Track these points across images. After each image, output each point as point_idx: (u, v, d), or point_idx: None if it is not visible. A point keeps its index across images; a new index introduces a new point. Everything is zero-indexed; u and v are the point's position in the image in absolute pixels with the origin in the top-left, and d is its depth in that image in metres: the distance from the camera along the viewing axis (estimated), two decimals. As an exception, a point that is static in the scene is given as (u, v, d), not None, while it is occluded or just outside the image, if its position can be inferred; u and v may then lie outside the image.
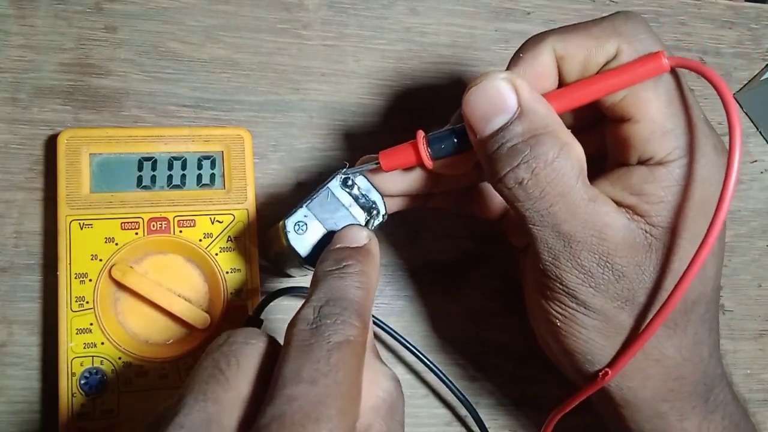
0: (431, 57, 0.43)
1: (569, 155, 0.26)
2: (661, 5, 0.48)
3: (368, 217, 0.31)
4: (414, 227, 0.41)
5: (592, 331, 0.29)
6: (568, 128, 0.28)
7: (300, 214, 0.30)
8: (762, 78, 0.46)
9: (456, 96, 0.43)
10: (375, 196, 0.31)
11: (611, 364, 0.29)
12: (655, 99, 0.27)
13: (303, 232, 0.30)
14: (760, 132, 0.47)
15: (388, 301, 0.40)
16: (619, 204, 0.28)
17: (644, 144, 0.28)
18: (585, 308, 0.29)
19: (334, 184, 0.31)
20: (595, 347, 0.29)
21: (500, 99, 0.27)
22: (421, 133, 0.30)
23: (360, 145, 0.41)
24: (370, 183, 0.31)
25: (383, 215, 0.31)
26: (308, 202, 0.30)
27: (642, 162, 0.28)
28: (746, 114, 0.47)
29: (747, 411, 0.33)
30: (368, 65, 0.42)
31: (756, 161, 0.47)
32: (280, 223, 0.30)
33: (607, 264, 0.27)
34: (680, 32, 0.48)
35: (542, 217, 0.27)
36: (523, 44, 0.29)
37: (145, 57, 0.39)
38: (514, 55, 0.29)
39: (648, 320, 0.28)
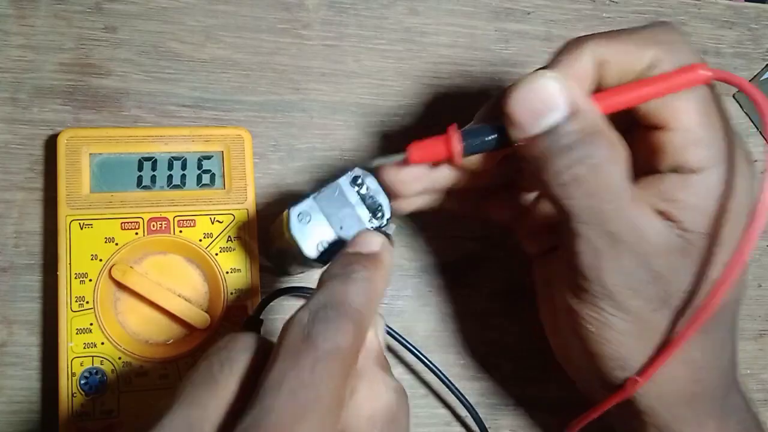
0: (431, 57, 0.43)
1: (620, 155, 0.27)
2: (661, 5, 0.48)
3: (372, 218, 0.31)
4: (415, 228, 0.41)
5: (626, 335, 0.29)
6: None
7: (305, 204, 0.30)
8: (762, 78, 0.46)
9: (456, 96, 0.43)
10: (382, 199, 0.31)
11: (641, 372, 0.29)
12: (690, 108, 0.27)
13: (306, 223, 0.30)
14: (760, 132, 0.47)
15: (388, 301, 0.40)
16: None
17: (678, 152, 0.28)
18: (621, 311, 0.29)
19: (344, 181, 0.31)
20: (628, 352, 0.29)
21: (551, 97, 0.27)
22: (454, 127, 0.29)
23: (360, 145, 0.41)
24: (380, 185, 0.31)
25: (387, 219, 0.31)
26: (316, 194, 0.30)
27: (674, 170, 0.28)
28: (746, 114, 0.47)
29: (759, 419, 0.33)
30: (368, 65, 0.42)
31: (756, 161, 0.47)
32: (285, 211, 0.30)
33: (647, 265, 0.28)
34: (680, 32, 0.48)
35: (592, 215, 0.27)
36: (564, 46, 0.29)
37: (145, 57, 0.39)
38: (554, 57, 0.29)
39: (682, 324, 0.28)
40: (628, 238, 0.27)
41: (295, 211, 0.30)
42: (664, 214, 0.28)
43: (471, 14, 0.44)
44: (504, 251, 0.42)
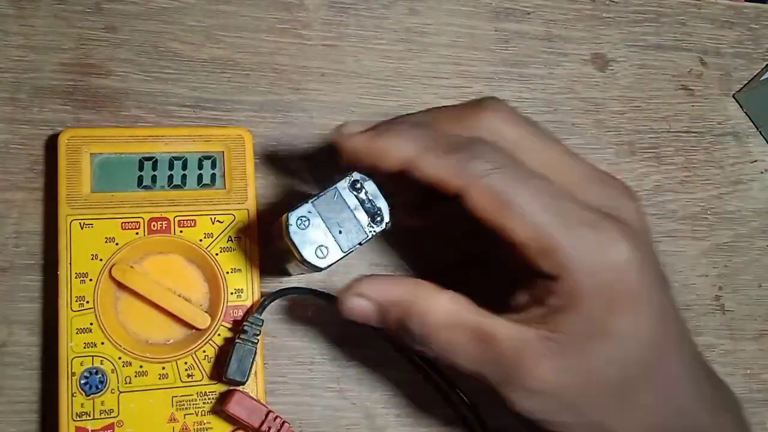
0: (431, 57, 0.43)
1: (435, 311, 0.29)
2: (661, 5, 0.48)
3: (371, 223, 0.31)
4: (414, 227, 0.41)
5: None
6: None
7: (304, 209, 0.30)
8: (762, 78, 0.46)
9: (456, 96, 0.43)
10: (381, 203, 0.31)
11: None
12: (522, 223, 0.28)
13: (305, 228, 0.30)
14: (760, 132, 0.47)
15: (388, 301, 0.40)
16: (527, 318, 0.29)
17: (533, 263, 0.29)
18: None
19: (343, 185, 0.31)
20: None
21: (362, 311, 0.30)
22: None
23: (360, 145, 0.41)
24: (379, 190, 0.31)
25: (386, 223, 0.31)
26: (314, 199, 0.30)
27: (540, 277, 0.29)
28: (746, 114, 0.47)
29: None
30: (368, 65, 0.42)
31: (756, 161, 0.47)
32: (284, 216, 0.30)
33: (523, 383, 0.28)
34: (680, 32, 0.48)
35: (458, 365, 0.29)
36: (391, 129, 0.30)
37: (145, 57, 0.39)
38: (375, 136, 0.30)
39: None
40: (494, 371, 0.29)
41: (293, 216, 0.30)
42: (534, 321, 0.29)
43: (471, 14, 0.44)
44: (504, 250, 0.42)
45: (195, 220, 0.36)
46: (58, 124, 0.38)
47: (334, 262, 0.31)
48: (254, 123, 0.40)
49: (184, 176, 0.37)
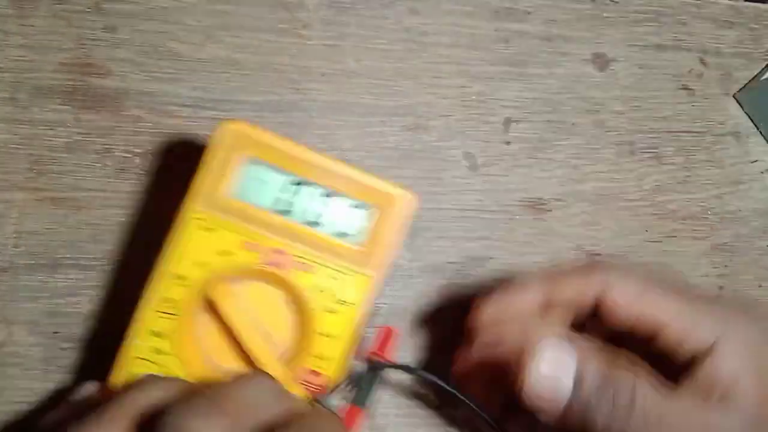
0: (431, 57, 0.43)
1: (646, 376, 0.29)
2: (661, 5, 0.48)
3: None
4: (414, 227, 0.41)
5: None
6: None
7: None
8: (762, 78, 0.46)
9: (456, 96, 0.43)
10: None
11: None
12: (668, 307, 0.30)
13: None
14: (760, 132, 0.47)
15: (388, 302, 0.40)
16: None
17: (683, 346, 0.29)
18: None
19: None
20: None
21: (560, 370, 0.29)
22: None
23: (360, 145, 0.41)
24: None
25: None
26: None
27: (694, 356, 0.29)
28: (746, 114, 0.47)
29: None
30: (368, 65, 0.42)
31: (756, 161, 0.47)
32: None
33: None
34: (680, 32, 0.48)
35: None
36: (515, 284, 0.33)
37: (145, 57, 0.39)
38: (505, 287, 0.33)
39: None
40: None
41: None
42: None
43: (471, 14, 0.44)
44: (504, 251, 0.42)
45: (314, 267, 0.32)
46: (58, 124, 0.38)
47: None
48: (254, 123, 0.40)
49: (324, 216, 0.33)
